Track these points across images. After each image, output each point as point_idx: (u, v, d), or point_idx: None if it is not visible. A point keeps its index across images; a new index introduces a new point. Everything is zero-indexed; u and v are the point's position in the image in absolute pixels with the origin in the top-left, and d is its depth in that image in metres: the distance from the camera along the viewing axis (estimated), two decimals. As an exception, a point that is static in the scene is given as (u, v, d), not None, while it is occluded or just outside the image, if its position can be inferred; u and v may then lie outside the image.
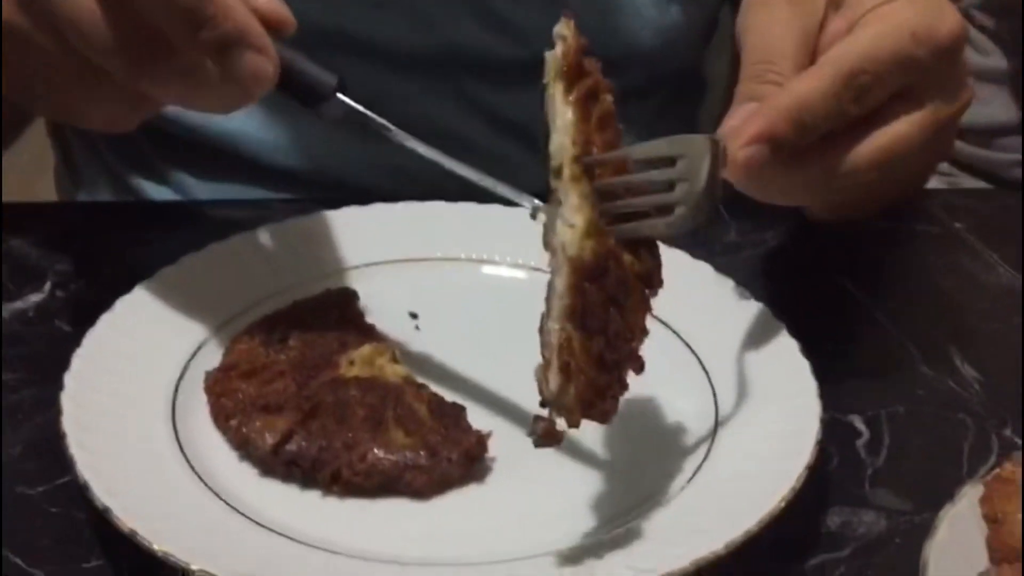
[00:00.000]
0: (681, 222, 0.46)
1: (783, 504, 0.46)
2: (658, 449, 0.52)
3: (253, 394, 0.52)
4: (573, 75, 0.46)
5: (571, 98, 0.46)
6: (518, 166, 0.79)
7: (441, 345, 0.59)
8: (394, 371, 0.54)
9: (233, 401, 0.52)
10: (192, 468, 0.49)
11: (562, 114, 0.47)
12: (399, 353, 0.56)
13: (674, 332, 0.58)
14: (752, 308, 0.59)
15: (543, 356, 0.45)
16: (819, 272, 0.68)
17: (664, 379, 0.54)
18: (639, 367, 0.46)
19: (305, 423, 0.50)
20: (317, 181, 0.75)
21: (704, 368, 0.56)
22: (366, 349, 0.55)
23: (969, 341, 0.63)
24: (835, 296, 0.66)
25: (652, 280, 0.46)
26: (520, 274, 0.63)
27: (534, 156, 0.80)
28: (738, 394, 0.54)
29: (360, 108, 0.52)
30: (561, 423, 0.44)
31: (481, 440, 0.51)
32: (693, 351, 0.58)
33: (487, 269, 0.63)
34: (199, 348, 0.55)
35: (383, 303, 0.61)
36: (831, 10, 0.55)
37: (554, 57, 0.47)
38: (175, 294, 0.57)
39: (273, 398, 0.51)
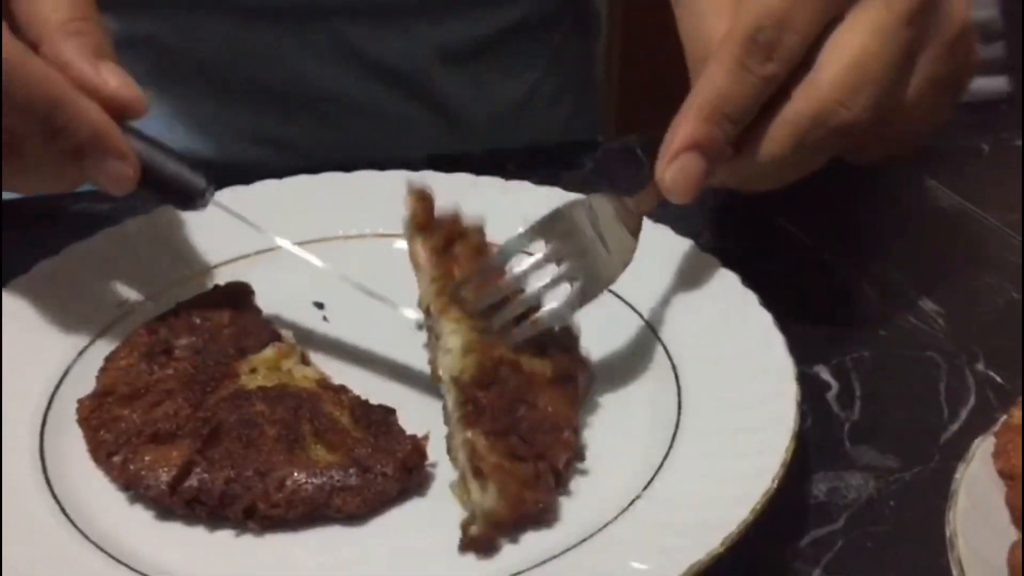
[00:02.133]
0: (580, 299, 0.45)
1: (775, 484, 0.39)
2: (618, 439, 0.45)
3: (138, 422, 0.42)
4: (425, 228, 0.49)
5: (427, 246, 0.48)
6: (407, 123, 0.72)
7: (356, 337, 0.50)
8: (305, 375, 0.46)
9: (114, 433, 0.42)
10: (73, 523, 0.39)
11: (421, 258, 0.48)
12: (308, 353, 0.48)
13: (618, 297, 0.50)
14: (698, 260, 0.51)
15: (458, 474, 0.42)
16: (756, 214, 0.62)
17: (615, 356, 0.48)
18: (576, 456, 0.43)
19: (205, 451, 0.41)
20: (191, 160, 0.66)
21: (659, 338, 0.49)
22: (269, 352, 0.46)
23: (922, 272, 0.57)
24: (777, 239, 0.60)
25: (572, 374, 0.44)
26: None
27: (425, 112, 0.74)
28: (700, 365, 0.47)
29: (235, 212, 0.48)
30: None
31: (418, 446, 0.42)
32: (644, 319, 0.50)
33: (399, 244, 0.54)
34: (66, 373, 0.46)
35: (283, 295, 0.52)
36: None
37: (406, 219, 0.49)
38: (31, 309, 0.47)
39: (163, 424, 0.42)
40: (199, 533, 0.41)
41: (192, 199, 0.46)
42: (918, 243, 0.61)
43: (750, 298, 0.49)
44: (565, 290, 0.46)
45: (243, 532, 0.41)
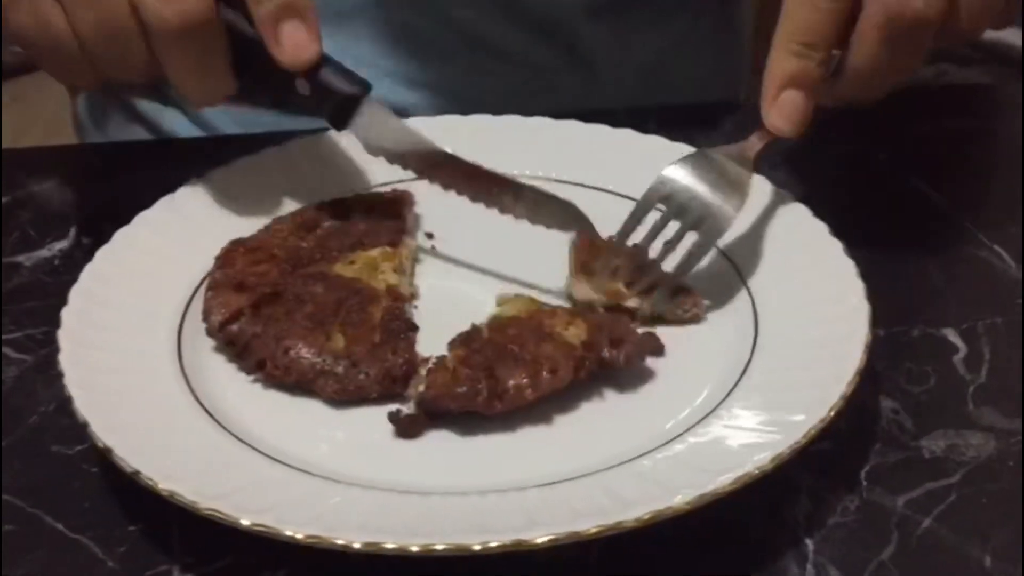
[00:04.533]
0: (701, 246, 0.47)
1: (833, 413, 0.39)
2: (687, 365, 0.45)
3: (237, 270, 0.47)
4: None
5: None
6: (553, 74, 0.73)
7: (456, 267, 0.52)
8: (386, 278, 0.48)
9: (222, 274, 0.47)
10: (198, 400, 0.43)
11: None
12: (410, 264, 0.50)
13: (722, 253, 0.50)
14: (788, 207, 0.51)
15: None
16: (892, 177, 0.60)
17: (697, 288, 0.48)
18: (534, 388, 0.42)
19: (256, 307, 0.46)
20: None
21: (742, 277, 0.49)
22: (374, 251, 0.49)
23: (1067, 244, 0.56)
24: (913, 202, 0.58)
25: (595, 356, 0.44)
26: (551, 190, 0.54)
27: (569, 63, 0.75)
28: (778, 302, 0.47)
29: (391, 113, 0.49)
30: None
31: (410, 363, 0.44)
32: (729, 259, 0.50)
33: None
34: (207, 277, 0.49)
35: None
36: None
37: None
38: (180, 220, 0.51)
39: (250, 278, 0.47)
40: (230, 368, 0.46)
41: (348, 103, 0.48)
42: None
43: (836, 247, 0.48)
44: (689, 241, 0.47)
45: (256, 381, 0.45)
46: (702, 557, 0.39)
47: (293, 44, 0.47)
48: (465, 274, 0.52)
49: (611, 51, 0.73)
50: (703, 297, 0.48)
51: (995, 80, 0.85)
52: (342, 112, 0.49)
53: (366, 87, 0.49)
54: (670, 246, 0.47)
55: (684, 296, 0.48)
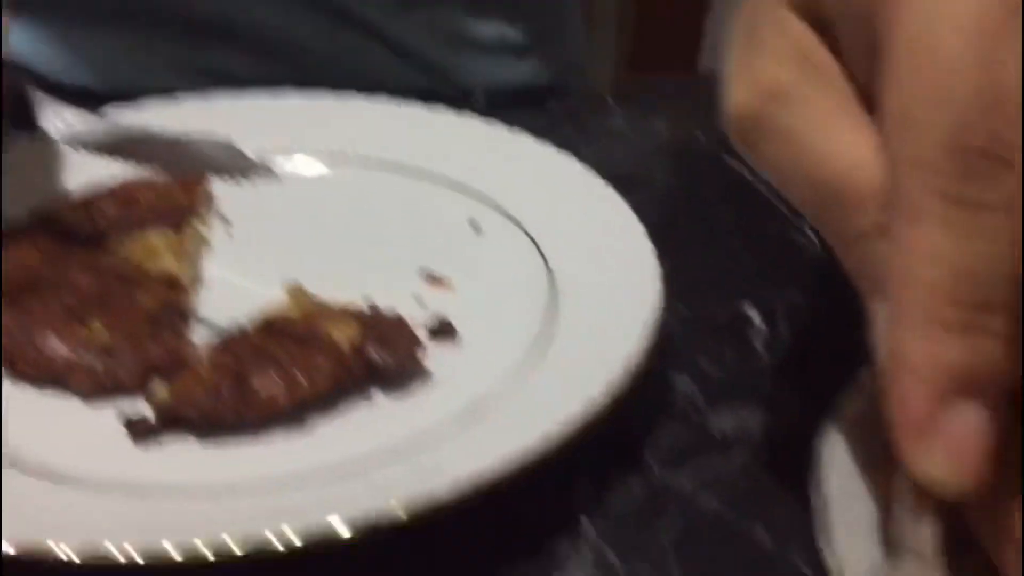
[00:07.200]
0: None
1: (615, 395, 0.38)
2: (470, 357, 0.43)
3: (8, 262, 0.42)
4: None
5: None
6: (364, 64, 0.67)
7: (265, 248, 0.48)
8: (167, 265, 0.44)
9: None
10: None
11: None
12: (197, 250, 0.47)
13: (501, 211, 0.50)
14: (585, 179, 0.50)
15: None
16: (716, 159, 0.58)
17: (499, 267, 0.47)
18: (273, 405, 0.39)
19: (12, 300, 0.41)
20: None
21: (543, 257, 0.47)
22: (155, 235, 0.46)
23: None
24: (738, 188, 0.57)
25: (359, 365, 0.40)
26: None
27: (380, 54, 0.67)
28: (576, 279, 0.45)
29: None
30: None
31: (176, 355, 0.40)
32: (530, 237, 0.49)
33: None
34: None
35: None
36: None
37: None
38: None
39: (10, 269, 0.42)
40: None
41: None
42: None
43: (638, 228, 0.47)
44: None
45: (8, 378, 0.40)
46: (474, 546, 0.37)
47: None
48: (259, 264, 0.48)
49: (426, 44, 0.69)
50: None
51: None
52: (21, 110, 0.43)
53: (26, 73, 0.44)
54: None
55: None
